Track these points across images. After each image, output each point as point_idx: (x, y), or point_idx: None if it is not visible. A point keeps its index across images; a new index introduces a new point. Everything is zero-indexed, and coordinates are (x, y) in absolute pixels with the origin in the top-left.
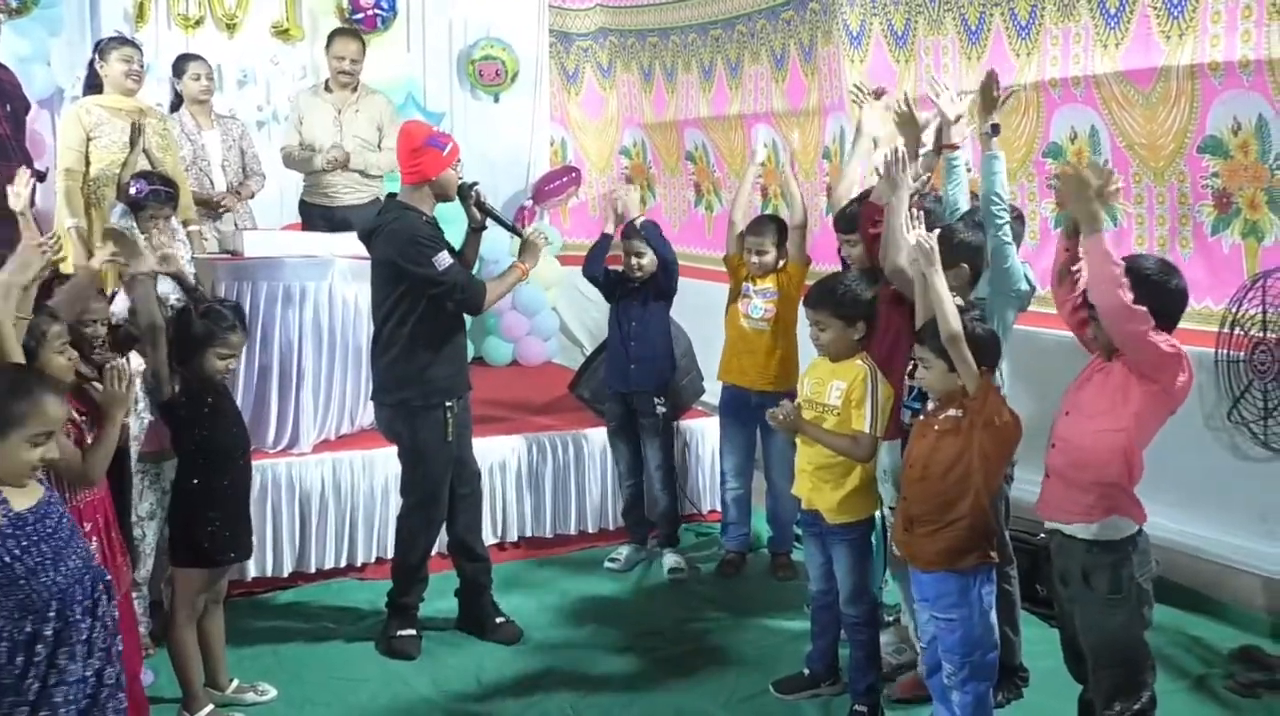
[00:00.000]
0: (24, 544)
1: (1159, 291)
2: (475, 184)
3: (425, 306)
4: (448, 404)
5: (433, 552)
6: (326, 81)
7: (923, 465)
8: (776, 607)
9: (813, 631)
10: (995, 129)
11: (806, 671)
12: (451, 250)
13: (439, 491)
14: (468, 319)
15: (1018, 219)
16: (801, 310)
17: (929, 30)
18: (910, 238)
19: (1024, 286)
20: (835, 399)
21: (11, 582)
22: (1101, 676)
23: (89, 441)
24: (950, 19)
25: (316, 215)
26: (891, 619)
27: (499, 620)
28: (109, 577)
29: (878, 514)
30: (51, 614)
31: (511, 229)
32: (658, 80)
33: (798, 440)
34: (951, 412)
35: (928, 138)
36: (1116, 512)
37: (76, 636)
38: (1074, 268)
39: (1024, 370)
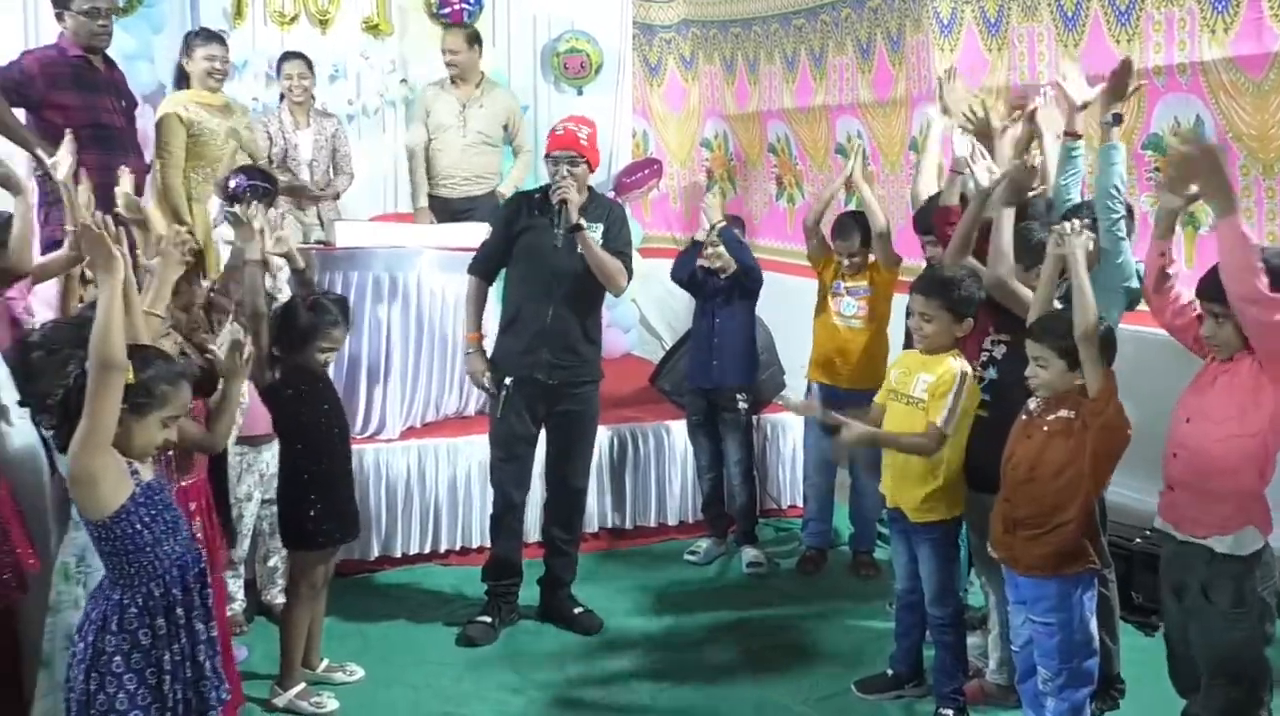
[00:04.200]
0: (152, 512)
1: None
2: (555, 181)
3: (507, 275)
4: (505, 380)
5: (515, 542)
6: (452, 76)
7: (1029, 466)
8: (858, 606)
9: (896, 631)
10: (1117, 118)
11: (890, 671)
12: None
13: (493, 467)
14: (552, 306)
15: (1128, 214)
16: (899, 303)
17: (1023, 17)
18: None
19: (1135, 283)
20: (921, 392)
21: (139, 550)
22: (1216, 692)
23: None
24: (1046, 5)
25: (435, 208)
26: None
27: (577, 610)
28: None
29: None
30: (174, 580)
31: (568, 233)
32: (740, 71)
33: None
34: (1064, 413)
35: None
36: (1251, 523)
37: (200, 601)
38: (1170, 270)
39: (1123, 371)
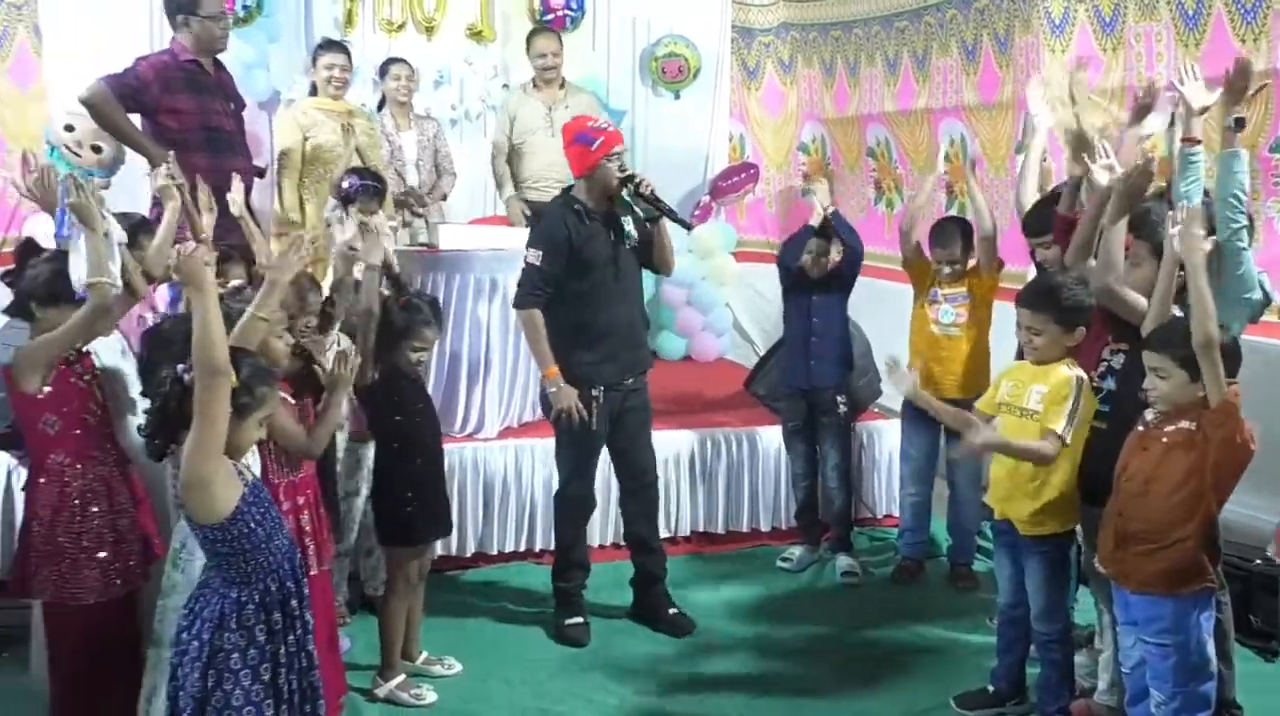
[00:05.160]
0: (261, 510)
1: None
2: (632, 175)
3: (563, 291)
4: (594, 393)
5: (591, 542)
6: (534, 80)
7: (1145, 479)
8: (956, 619)
9: (998, 646)
10: (1240, 123)
11: (991, 688)
12: (568, 245)
13: (576, 475)
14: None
15: (1249, 223)
16: (999, 309)
17: (1140, 16)
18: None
19: (1257, 295)
20: (1035, 403)
21: (255, 548)
22: None
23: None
24: (1165, 2)
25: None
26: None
27: (671, 611)
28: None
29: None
30: (287, 573)
31: (680, 221)
32: (840, 74)
33: None
34: (1184, 425)
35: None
36: None
37: (308, 592)
38: None
39: (1248, 385)
